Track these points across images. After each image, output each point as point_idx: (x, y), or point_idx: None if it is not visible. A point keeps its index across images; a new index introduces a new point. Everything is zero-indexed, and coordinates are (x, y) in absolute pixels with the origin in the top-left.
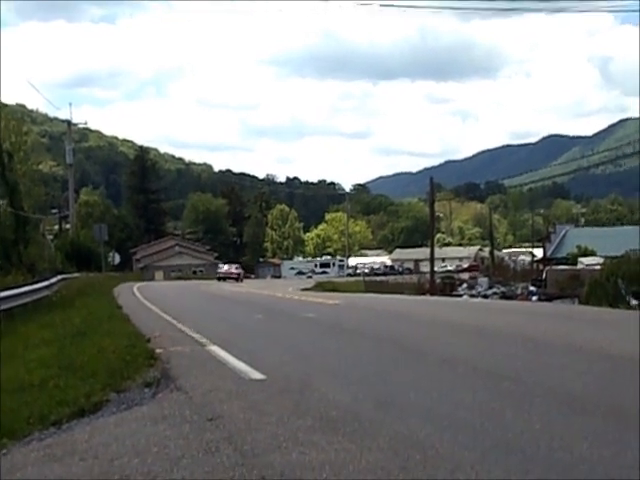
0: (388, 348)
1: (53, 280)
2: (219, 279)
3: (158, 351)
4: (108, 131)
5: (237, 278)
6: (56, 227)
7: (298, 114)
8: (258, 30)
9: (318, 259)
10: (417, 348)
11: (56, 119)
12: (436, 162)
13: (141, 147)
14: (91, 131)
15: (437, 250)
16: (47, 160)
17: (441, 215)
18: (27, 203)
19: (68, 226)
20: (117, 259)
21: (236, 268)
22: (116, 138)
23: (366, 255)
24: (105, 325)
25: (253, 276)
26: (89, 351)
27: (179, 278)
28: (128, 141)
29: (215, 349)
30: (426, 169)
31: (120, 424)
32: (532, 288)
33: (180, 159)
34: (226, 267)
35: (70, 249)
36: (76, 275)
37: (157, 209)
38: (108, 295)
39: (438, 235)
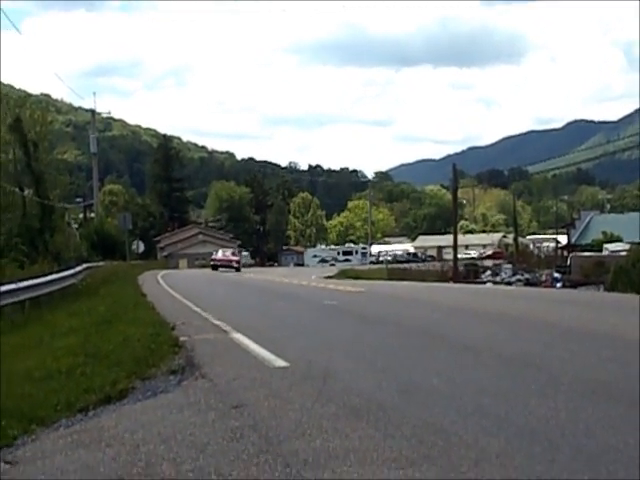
0: (411, 335)
1: (78, 269)
2: (213, 268)
3: (182, 339)
4: (131, 120)
5: (235, 266)
6: (81, 216)
7: (319, 102)
8: (279, 17)
9: (341, 247)
10: (440, 335)
11: (80, 108)
12: (459, 149)
13: (164, 135)
14: (115, 120)
15: (460, 237)
16: (72, 149)
17: (464, 202)
18: (52, 192)
19: (93, 215)
20: (141, 247)
21: (233, 254)
22: (139, 127)
23: (389, 243)
24: (130, 313)
25: (276, 264)
26: (114, 339)
27: (203, 266)
28: (151, 130)
29: (239, 337)
30: (449, 156)
31: (146, 411)
32: (556, 275)
33: (203, 147)
34: (221, 253)
35: (95, 238)
36: (101, 264)
37: (180, 197)
38: (133, 283)
39: (461, 222)
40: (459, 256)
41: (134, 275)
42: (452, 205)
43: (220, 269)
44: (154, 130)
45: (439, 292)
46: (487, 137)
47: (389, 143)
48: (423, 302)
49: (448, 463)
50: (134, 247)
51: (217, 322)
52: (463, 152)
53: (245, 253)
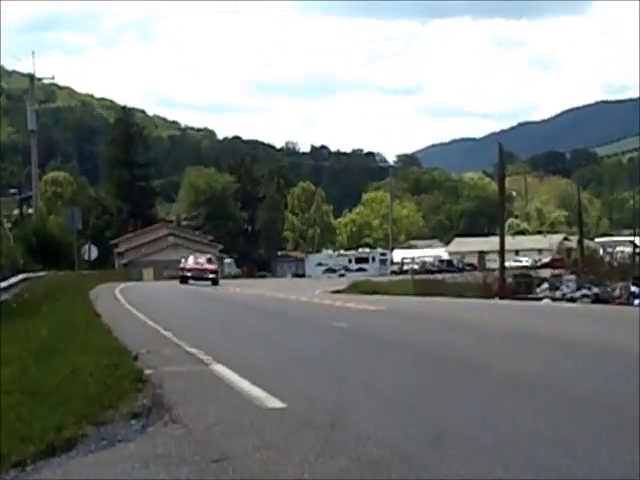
0: (444, 367)
1: (12, 281)
2: (182, 280)
3: (148, 372)
4: (81, 88)
5: (210, 278)
6: (16, 212)
7: (325, 64)
8: None
9: (353, 252)
10: (483, 368)
11: (15, 73)
12: (506, 125)
13: (124, 108)
14: (60, 88)
15: (509, 240)
16: (4, 126)
17: (514, 194)
18: None
19: (31, 211)
20: (94, 253)
21: (209, 261)
22: (91, 97)
23: (416, 247)
24: (80, 338)
25: (269, 274)
26: (60, 372)
27: (174, 278)
28: (107, 100)
29: (221, 369)
30: (493, 134)
31: (100, 466)
32: (634, 289)
33: (174, 123)
34: (192, 260)
35: (34, 240)
36: (42, 274)
37: (145, 188)
38: (83, 300)
39: (510, 220)
40: (507, 264)
41: (85, 289)
42: (498, 198)
43: (191, 282)
44: (110, 101)
45: (481, 311)
46: (543, 110)
47: (415, 117)
48: (460, 324)
49: None
50: (85, 253)
51: (192, 350)
52: (512, 129)
53: (228, 260)
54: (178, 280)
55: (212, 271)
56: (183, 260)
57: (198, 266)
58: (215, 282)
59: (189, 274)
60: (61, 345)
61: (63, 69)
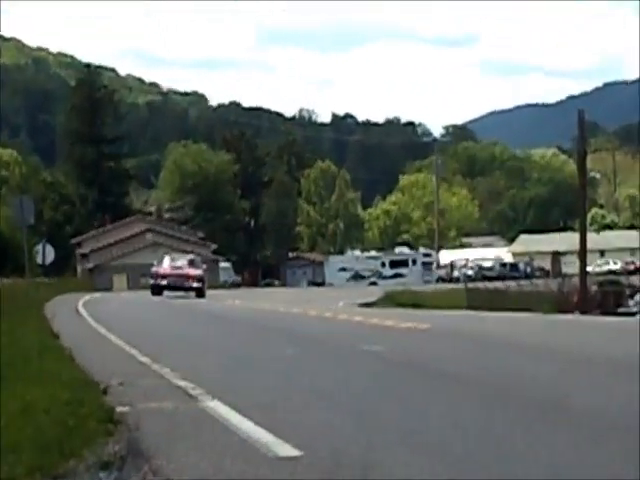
0: (512, 405)
1: None
2: (155, 290)
3: (121, 410)
4: (33, 40)
5: (194, 287)
6: None
7: (348, 7)
8: None
9: (387, 253)
10: (561, 406)
11: None
12: (589, 87)
13: (87, 66)
14: (5, 40)
15: (592, 237)
16: None
17: (597, 176)
18: None
19: None
20: (50, 256)
21: (192, 263)
22: (46, 52)
23: (470, 246)
24: (33, 366)
25: (277, 282)
26: (7, 409)
27: None
28: (66, 56)
29: (215, 406)
30: (571, 98)
31: None
32: None
33: (153, 86)
34: (168, 263)
35: None
36: None
37: (116, 171)
38: (37, 315)
39: (593, 211)
40: (590, 269)
41: (39, 302)
42: (577, 182)
43: (166, 292)
44: (70, 57)
45: (556, 331)
46: (636, 66)
47: (469, 76)
48: (529, 349)
49: None
50: (38, 255)
51: (179, 381)
52: (596, 91)
53: (225, 265)
54: (150, 290)
55: (196, 278)
56: (156, 263)
57: (177, 271)
58: (200, 293)
59: (164, 282)
60: (8, 374)
61: (9, 17)
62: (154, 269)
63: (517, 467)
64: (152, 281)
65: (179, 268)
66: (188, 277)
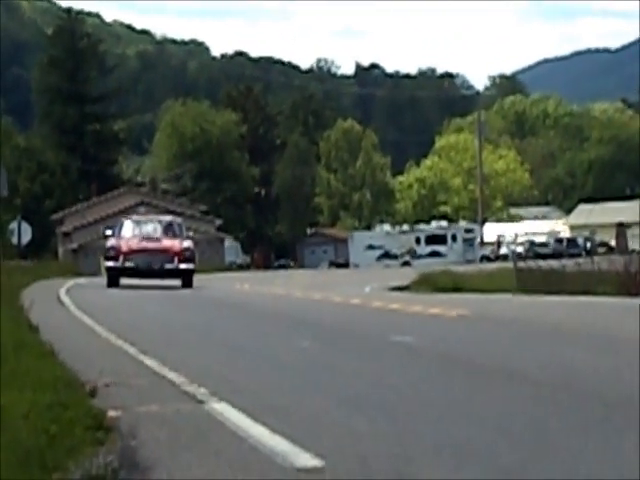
0: (571, 405)
1: None
2: (114, 277)
3: (112, 414)
4: None
5: (177, 271)
6: None
7: None
8: None
9: (423, 228)
10: (628, 403)
11: None
12: None
13: (68, 11)
14: None
15: None
16: None
17: None
18: None
19: None
20: (27, 235)
21: (168, 230)
22: None
23: (520, 218)
24: (8, 364)
25: (293, 264)
26: None
27: None
28: (42, 0)
29: (222, 409)
30: (638, 43)
31: None
32: None
33: (145, 34)
34: (131, 231)
35: None
36: None
37: (103, 134)
38: (12, 305)
39: None
40: None
41: (15, 289)
42: None
43: (128, 281)
44: (48, 0)
45: (624, 317)
46: None
47: (516, 18)
48: (591, 338)
49: None
50: (13, 234)
51: (178, 379)
52: None
53: (231, 244)
54: (106, 278)
55: (182, 254)
56: (108, 232)
57: (148, 244)
58: (188, 280)
59: (128, 263)
60: None
61: None
62: (110, 243)
63: (580, 477)
64: (108, 263)
65: (151, 240)
66: (168, 253)
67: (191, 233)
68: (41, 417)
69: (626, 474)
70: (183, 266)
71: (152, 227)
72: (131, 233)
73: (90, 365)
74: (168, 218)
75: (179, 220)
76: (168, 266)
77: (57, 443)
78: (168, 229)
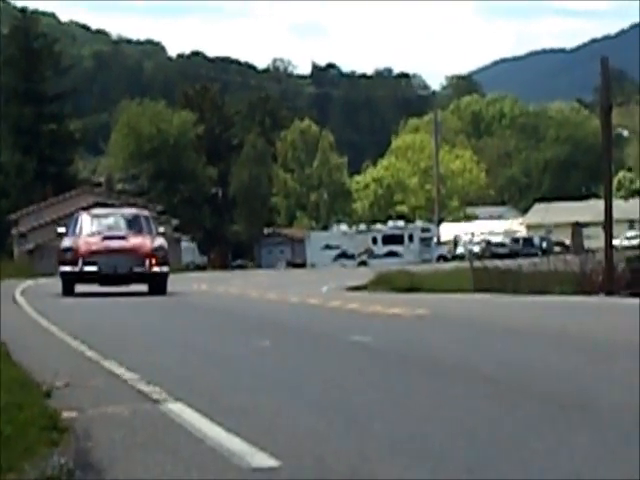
0: (526, 403)
1: None
2: (69, 283)
3: (68, 415)
4: None
5: (154, 275)
6: None
7: None
8: None
9: (380, 228)
10: (584, 402)
11: None
12: (613, 29)
13: (22, 11)
14: None
15: (619, 204)
16: None
17: (625, 134)
18: None
19: None
20: None
21: (133, 224)
22: None
23: (476, 218)
24: None
25: (250, 264)
26: None
27: None
28: None
29: (179, 409)
30: (594, 43)
31: None
32: None
33: (101, 34)
34: (89, 227)
35: None
36: None
37: (58, 134)
38: None
39: (620, 174)
40: (617, 243)
41: None
42: (601, 141)
43: (86, 287)
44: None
45: (579, 315)
46: None
47: (472, 18)
48: (548, 337)
49: None
50: None
51: (135, 380)
52: (623, 33)
53: (188, 244)
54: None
55: (152, 257)
56: (61, 230)
57: (113, 243)
58: (160, 286)
59: (89, 267)
60: None
61: None
62: (66, 243)
63: (534, 474)
64: (63, 267)
65: (116, 238)
66: (137, 253)
67: (162, 229)
68: None
69: (579, 474)
70: (156, 269)
71: (115, 222)
72: (90, 230)
73: (45, 366)
74: (133, 211)
75: (146, 213)
76: (137, 269)
77: (12, 444)
78: (134, 224)
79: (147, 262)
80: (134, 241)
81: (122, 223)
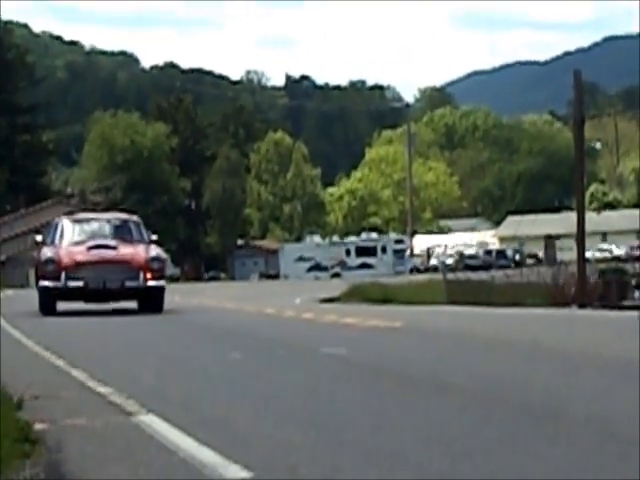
0: (499, 415)
1: None
2: (49, 300)
3: (39, 427)
4: None
5: (150, 289)
6: None
7: None
8: None
9: (353, 240)
10: (557, 413)
11: None
12: (586, 42)
13: None
14: None
15: (591, 217)
16: None
17: (598, 146)
18: None
19: None
20: None
21: (121, 231)
22: None
23: (449, 230)
24: None
25: (223, 276)
26: None
27: None
28: None
29: (151, 421)
30: (567, 55)
31: None
32: None
33: (74, 45)
34: (71, 235)
35: None
36: None
37: (31, 145)
38: None
39: (593, 187)
40: (589, 255)
41: None
42: (574, 153)
43: (71, 305)
44: None
45: (552, 327)
46: None
47: (447, 30)
48: (521, 349)
49: None
50: None
51: (107, 392)
52: (595, 47)
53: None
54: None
55: (147, 269)
56: (39, 238)
57: (97, 253)
58: (157, 302)
59: (74, 282)
60: None
61: None
62: (46, 254)
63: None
64: (43, 282)
65: (104, 247)
66: (131, 265)
67: (154, 236)
68: None
69: (548, 476)
70: (152, 283)
71: (101, 228)
72: (73, 238)
73: (17, 377)
74: (122, 216)
75: (135, 218)
76: (130, 284)
77: None
78: (124, 231)
79: (141, 275)
80: (125, 251)
81: (110, 230)
